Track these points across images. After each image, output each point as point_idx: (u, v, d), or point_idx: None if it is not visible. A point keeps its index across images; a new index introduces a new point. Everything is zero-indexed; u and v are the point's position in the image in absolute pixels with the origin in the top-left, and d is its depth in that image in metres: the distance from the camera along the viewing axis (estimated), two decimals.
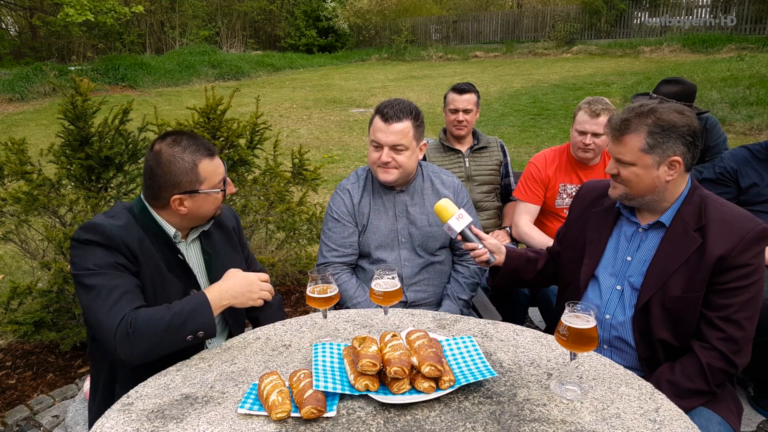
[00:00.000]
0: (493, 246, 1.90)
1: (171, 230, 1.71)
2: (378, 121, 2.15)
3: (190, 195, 1.65)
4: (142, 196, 1.72)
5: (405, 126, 2.12)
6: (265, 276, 1.73)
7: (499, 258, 1.93)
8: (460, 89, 3.16)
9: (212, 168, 1.68)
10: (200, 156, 1.65)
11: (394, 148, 2.12)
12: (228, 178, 1.76)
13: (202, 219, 1.75)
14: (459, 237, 1.87)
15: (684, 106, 1.69)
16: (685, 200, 1.69)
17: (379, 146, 2.15)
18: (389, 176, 2.17)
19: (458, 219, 1.84)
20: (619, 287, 1.78)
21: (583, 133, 2.70)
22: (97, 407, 1.71)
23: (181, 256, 1.72)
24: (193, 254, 1.80)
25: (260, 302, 1.70)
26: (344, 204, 2.27)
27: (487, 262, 1.88)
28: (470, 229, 1.86)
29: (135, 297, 1.55)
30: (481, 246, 1.86)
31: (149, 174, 1.65)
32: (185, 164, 1.63)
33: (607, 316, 1.79)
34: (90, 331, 1.74)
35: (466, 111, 3.12)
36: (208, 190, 1.68)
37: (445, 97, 3.26)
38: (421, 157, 2.25)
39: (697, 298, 1.63)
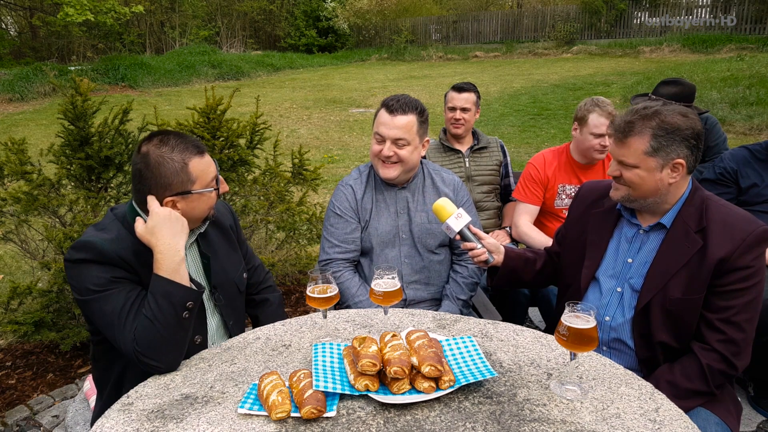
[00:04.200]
0: (492, 245, 1.89)
1: None
2: (383, 114, 2.15)
3: (183, 196, 1.60)
4: (133, 201, 1.66)
5: (409, 120, 2.12)
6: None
7: (498, 258, 1.92)
8: (460, 88, 3.17)
9: (203, 166, 1.62)
10: (189, 155, 1.59)
11: (396, 142, 2.12)
12: (221, 177, 1.71)
13: (196, 220, 1.70)
14: (457, 236, 1.87)
15: (687, 108, 1.69)
16: (686, 202, 1.69)
17: (381, 139, 2.15)
18: (391, 172, 2.17)
19: (457, 218, 1.83)
20: (619, 289, 1.77)
21: (600, 135, 2.68)
22: (101, 409, 1.71)
23: None
24: (191, 259, 1.77)
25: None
26: (347, 199, 2.26)
27: (486, 261, 1.88)
28: (469, 228, 1.86)
29: (141, 307, 1.51)
30: (479, 245, 1.85)
31: (138, 177, 1.59)
32: (175, 164, 1.56)
33: (607, 318, 1.79)
34: (94, 336, 1.71)
35: (464, 109, 3.12)
36: (201, 190, 1.62)
37: (445, 96, 3.27)
38: (423, 153, 2.25)
39: (697, 300, 1.63)
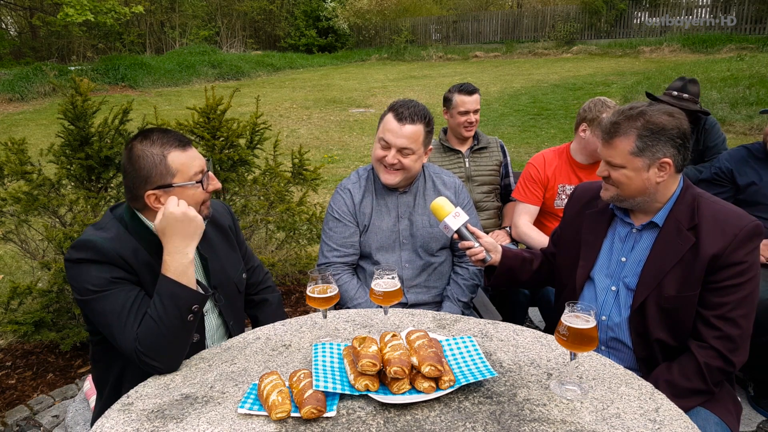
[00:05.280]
0: (490, 245, 1.90)
1: None
2: (391, 120, 2.12)
3: (164, 190, 1.58)
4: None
5: (417, 129, 2.10)
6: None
7: (495, 257, 1.93)
8: (469, 90, 3.14)
9: (184, 159, 1.60)
10: (169, 148, 1.58)
11: (402, 150, 2.11)
12: (211, 173, 1.68)
13: None
14: (455, 236, 1.87)
15: (674, 108, 1.70)
16: (678, 200, 1.70)
17: (387, 146, 2.13)
18: (392, 178, 2.16)
19: (455, 217, 1.84)
20: (614, 288, 1.78)
21: None
22: (101, 409, 1.71)
23: None
24: None
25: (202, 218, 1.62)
26: (345, 203, 2.26)
27: (483, 261, 1.88)
28: (466, 227, 1.86)
29: (141, 307, 1.52)
30: (477, 244, 1.85)
31: (124, 173, 1.60)
32: (154, 158, 1.56)
33: (604, 318, 1.79)
34: (93, 336, 1.71)
35: (475, 111, 3.14)
36: (182, 183, 1.59)
37: (447, 99, 3.22)
38: (425, 161, 2.25)
39: (692, 297, 1.63)
